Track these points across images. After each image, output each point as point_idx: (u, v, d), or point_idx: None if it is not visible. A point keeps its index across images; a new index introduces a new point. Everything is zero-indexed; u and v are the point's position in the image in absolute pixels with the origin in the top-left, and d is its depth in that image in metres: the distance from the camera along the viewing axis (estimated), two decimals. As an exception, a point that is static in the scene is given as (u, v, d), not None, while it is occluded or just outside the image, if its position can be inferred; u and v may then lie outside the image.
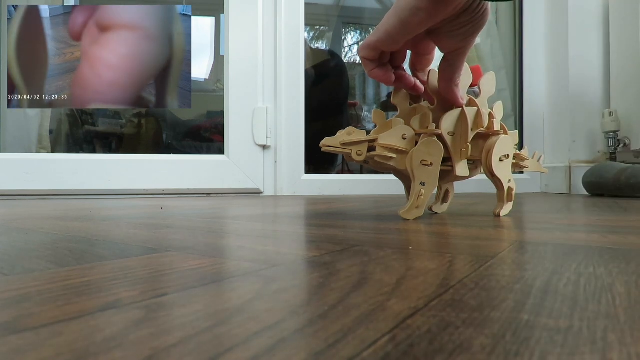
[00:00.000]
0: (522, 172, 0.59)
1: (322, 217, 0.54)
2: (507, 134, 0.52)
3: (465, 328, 0.13)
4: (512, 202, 0.54)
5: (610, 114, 1.29)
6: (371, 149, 0.48)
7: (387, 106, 2.06)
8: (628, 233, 0.37)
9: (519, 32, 1.58)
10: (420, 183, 0.47)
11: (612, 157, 1.30)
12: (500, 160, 0.51)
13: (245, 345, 0.12)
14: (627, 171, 1.04)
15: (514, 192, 0.53)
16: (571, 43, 1.39)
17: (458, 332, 0.13)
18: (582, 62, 1.39)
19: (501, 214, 0.53)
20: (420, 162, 0.47)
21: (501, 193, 0.53)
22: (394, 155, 0.47)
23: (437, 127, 0.48)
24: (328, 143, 0.49)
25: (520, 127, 1.55)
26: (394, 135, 0.47)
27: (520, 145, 1.53)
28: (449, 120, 0.48)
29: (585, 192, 1.22)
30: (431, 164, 0.47)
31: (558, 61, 1.45)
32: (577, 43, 1.39)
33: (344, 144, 0.48)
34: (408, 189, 0.55)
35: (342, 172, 1.95)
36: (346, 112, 2.05)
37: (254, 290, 0.18)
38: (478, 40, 1.51)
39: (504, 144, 0.51)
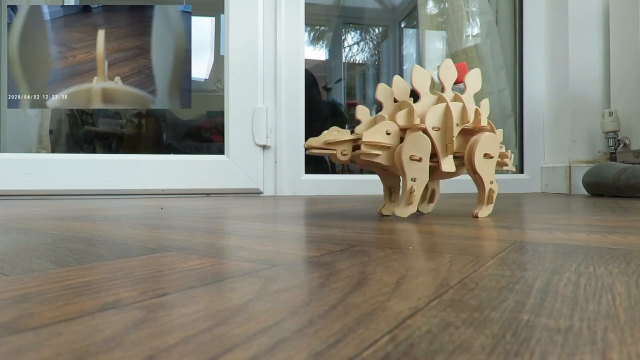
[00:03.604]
0: (504, 172, 0.58)
1: (322, 217, 0.54)
2: (494, 131, 0.52)
3: (465, 328, 0.13)
4: (492, 205, 0.52)
5: (610, 114, 1.29)
6: (357, 147, 0.47)
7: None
8: (628, 233, 0.37)
9: (519, 32, 1.58)
10: (411, 179, 0.47)
11: (612, 157, 1.30)
12: (485, 157, 0.50)
13: (245, 345, 0.12)
14: (627, 171, 1.04)
15: (495, 195, 0.52)
16: (571, 43, 1.39)
17: (458, 332, 0.13)
18: (582, 62, 1.39)
19: (479, 216, 0.51)
20: (410, 158, 0.46)
21: (482, 194, 0.51)
22: (379, 152, 0.47)
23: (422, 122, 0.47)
24: (312, 144, 0.48)
25: (520, 127, 1.55)
26: (377, 132, 0.47)
27: (521, 145, 1.53)
28: (433, 115, 0.48)
29: (585, 192, 1.22)
30: (420, 159, 0.46)
31: (558, 61, 1.45)
32: (577, 43, 1.39)
33: (328, 144, 0.47)
34: (388, 188, 0.55)
35: (342, 172, 1.95)
36: (320, 119, 2.04)
37: (254, 290, 0.18)
38: (478, 40, 1.51)
39: (489, 142, 0.50)
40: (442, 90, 0.51)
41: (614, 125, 1.29)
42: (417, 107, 0.48)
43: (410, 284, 0.19)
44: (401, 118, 0.47)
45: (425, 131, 0.47)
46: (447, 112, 0.48)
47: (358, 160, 0.48)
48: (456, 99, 0.50)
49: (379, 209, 0.55)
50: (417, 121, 0.46)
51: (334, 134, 0.48)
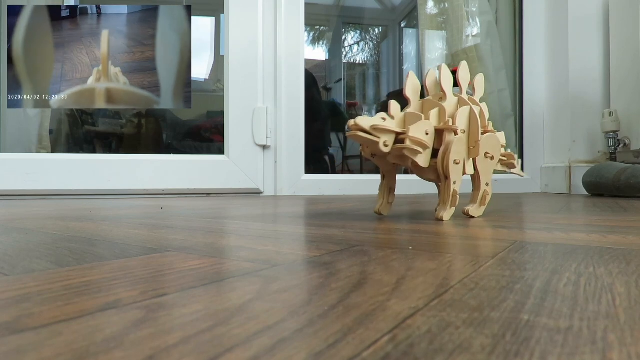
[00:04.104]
0: (506, 172, 0.57)
1: (322, 217, 0.54)
2: (494, 133, 0.52)
3: (465, 328, 0.13)
4: (484, 207, 0.52)
5: (610, 114, 1.29)
6: (397, 141, 0.45)
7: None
8: (628, 233, 0.37)
9: (519, 32, 1.58)
10: (454, 182, 0.47)
11: (612, 157, 1.30)
12: (485, 156, 0.50)
13: (245, 345, 0.12)
14: (627, 171, 1.04)
15: (488, 197, 0.52)
16: (571, 43, 1.39)
17: (458, 332, 0.13)
18: (582, 62, 1.39)
19: (470, 213, 0.51)
20: (454, 162, 0.46)
21: (476, 193, 0.51)
22: (422, 151, 0.45)
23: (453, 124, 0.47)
24: (361, 124, 0.42)
25: (520, 127, 1.55)
26: (420, 130, 0.44)
27: (521, 145, 1.53)
28: (462, 118, 0.47)
29: (585, 192, 1.22)
30: (459, 162, 0.46)
31: (558, 61, 1.45)
32: (577, 43, 1.39)
33: (376, 129, 0.42)
34: (388, 188, 0.54)
35: (342, 172, 1.95)
36: (320, 119, 2.03)
37: (254, 290, 0.18)
38: (478, 40, 1.51)
39: (490, 142, 0.50)
40: (443, 92, 0.51)
41: (614, 125, 1.29)
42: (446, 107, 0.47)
43: (410, 284, 0.19)
44: (435, 118, 0.46)
45: (456, 134, 0.46)
46: (472, 115, 0.48)
47: (394, 155, 0.45)
48: (473, 102, 0.50)
49: (376, 209, 0.54)
50: (450, 122, 0.46)
51: (379, 120, 0.43)
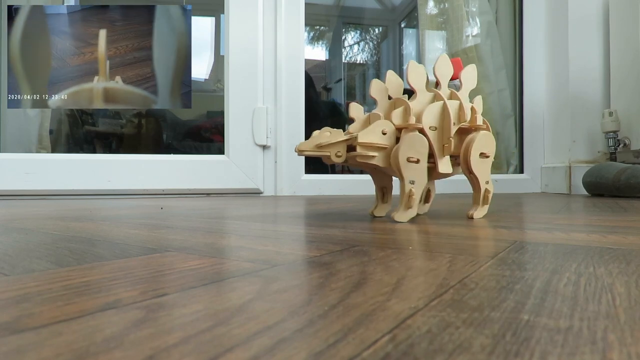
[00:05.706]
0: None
1: (322, 217, 0.54)
2: (490, 130, 0.50)
3: (465, 328, 0.13)
4: (487, 206, 0.51)
5: (610, 114, 1.29)
6: (351, 147, 0.45)
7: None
8: (628, 233, 0.37)
9: (519, 32, 1.58)
10: (410, 181, 0.45)
11: (612, 157, 1.30)
12: (481, 156, 0.48)
13: (245, 345, 0.12)
14: (627, 171, 1.04)
15: (490, 195, 0.50)
16: (571, 43, 1.39)
17: (458, 332, 0.13)
18: (582, 62, 1.39)
19: (474, 217, 0.49)
20: (407, 159, 0.44)
21: (477, 194, 0.50)
22: (375, 154, 0.45)
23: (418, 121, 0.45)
24: (303, 147, 0.45)
25: (520, 127, 1.55)
26: (373, 132, 0.44)
27: (521, 145, 1.53)
28: (430, 114, 0.46)
29: (585, 192, 1.22)
30: (418, 160, 0.45)
31: (558, 61, 1.45)
32: (577, 43, 1.39)
33: (321, 147, 0.44)
34: (380, 189, 0.53)
35: (342, 172, 1.94)
36: (319, 120, 2.02)
37: (254, 290, 0.18)
38: (478, 40, 1.51)
39: (485, 141, 0.48)
40: (436, 86, 0.50)
41: (614, 125, 1.28)
42: (413, 105, 0.46)
43: (410, 284, 0.19)
44: (397, 117, 0.46)
45: (422, 131, 0.45)
46: (445, 110, 0.47)
47: (352, 161, 0.46)
48: (452, 96, 0.49)
49: (370, 210, 0.53)
50: (413, 120, 0.45)
51: (326, 135, 0.45)
